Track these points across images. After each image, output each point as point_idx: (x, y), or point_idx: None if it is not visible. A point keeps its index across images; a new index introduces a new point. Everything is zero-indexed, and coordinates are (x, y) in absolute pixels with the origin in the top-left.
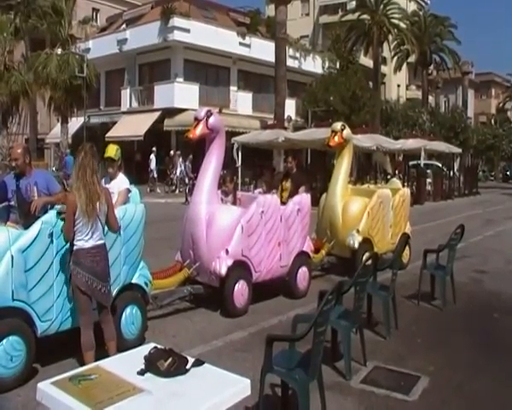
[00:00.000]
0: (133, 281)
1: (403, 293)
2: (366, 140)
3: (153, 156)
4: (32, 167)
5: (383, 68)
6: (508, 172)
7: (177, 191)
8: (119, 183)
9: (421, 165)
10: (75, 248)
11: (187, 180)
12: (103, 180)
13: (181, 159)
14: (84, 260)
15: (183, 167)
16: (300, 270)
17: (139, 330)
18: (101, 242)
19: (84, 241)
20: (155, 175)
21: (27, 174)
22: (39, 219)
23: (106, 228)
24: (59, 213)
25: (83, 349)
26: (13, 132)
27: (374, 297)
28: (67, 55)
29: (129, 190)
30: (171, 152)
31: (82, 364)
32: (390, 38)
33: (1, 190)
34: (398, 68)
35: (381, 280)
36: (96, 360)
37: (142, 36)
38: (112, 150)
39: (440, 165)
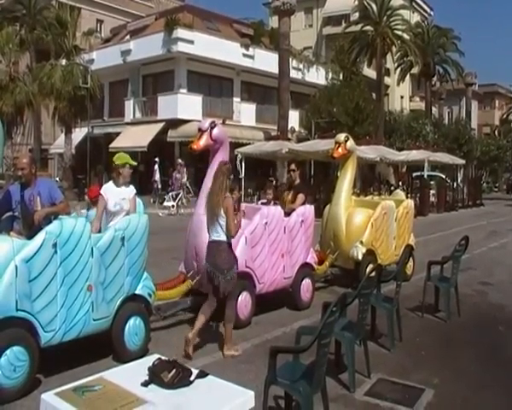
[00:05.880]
0: (136, 292)
1: (407, 305)
2: (369, 151)
3: (156, 167)
4: (36, 177)
5: (386, 80)
6: None
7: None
8: (130, 190)
9: (425, 176)
10: None
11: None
12: (110, 182)
13: (185, 169)
14: (206, 251)
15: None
16: (304, 281)
17: (142, 341)
18: (216, 238)
19: (208, 235)
20: (159, 186)
21: (32, 184)
22: (43, 229)
23: None
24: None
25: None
26: (17, 143)
27: (378, 309)
28: (72, 66)
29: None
30: (179, 160)
31: (85, 375)
32: (393, 49)
33: (6, 199)
34: (401, 80)
35: (384, 292)
36: (101, 370)
37: (146, 47)
38: (131, 158)
39: (444, 176)
